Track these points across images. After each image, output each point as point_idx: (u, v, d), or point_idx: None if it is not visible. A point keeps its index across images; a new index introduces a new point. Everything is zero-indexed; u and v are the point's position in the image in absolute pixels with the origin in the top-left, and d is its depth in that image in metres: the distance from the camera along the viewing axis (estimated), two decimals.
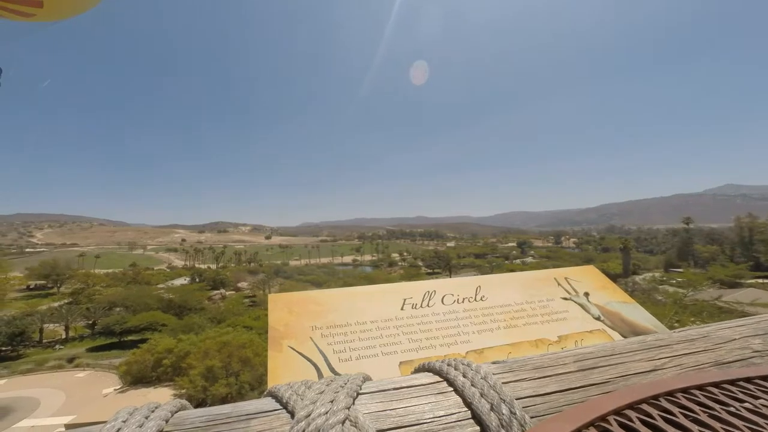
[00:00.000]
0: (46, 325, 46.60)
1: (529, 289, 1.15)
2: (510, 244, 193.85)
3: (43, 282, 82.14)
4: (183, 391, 23.37)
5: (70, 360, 36.86)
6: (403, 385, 0.53)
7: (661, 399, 0.45)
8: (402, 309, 1.04)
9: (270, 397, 0.52)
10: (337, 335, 0.94)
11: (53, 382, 31.30)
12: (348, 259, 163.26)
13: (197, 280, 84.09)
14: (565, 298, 1.12)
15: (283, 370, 0.83)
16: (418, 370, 0.60)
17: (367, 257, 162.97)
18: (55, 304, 56.39)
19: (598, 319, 1.04)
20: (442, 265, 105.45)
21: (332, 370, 0.85)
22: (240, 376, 24.04)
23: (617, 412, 0.43)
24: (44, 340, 45.51)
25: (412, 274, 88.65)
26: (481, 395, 0.47)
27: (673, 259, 78.68)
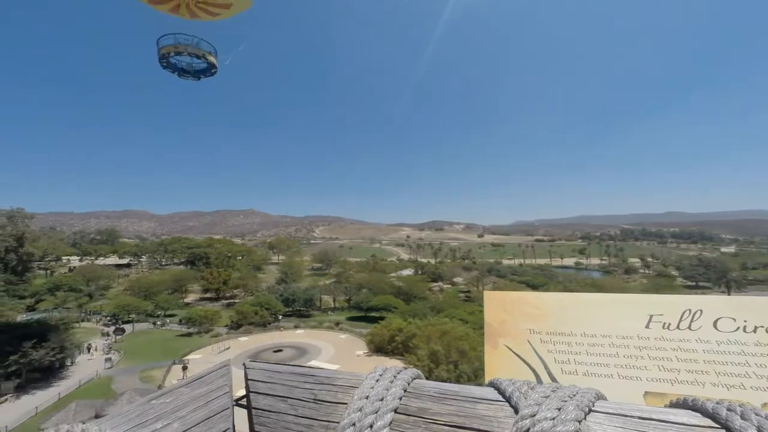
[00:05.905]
0: (323, 296, 65.14)
1: None
2: None
3: (319, 265, 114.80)
4: (411, 366, 27.19)
5: (336, 324, 49.91)
6: (654, 416, 0.43)
7: None
8: (647, 327, 0.85)
9: (492, 388, 0.53)
10: (558, 343, 0.86)
11: (326, 338, 43.08)
12: (569, 261, 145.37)
13: (419, 272, 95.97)
14: None
15: (499, 366, 0.83)
16: (676, 405, 0.50)
17: (594, 260, 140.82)
18: (327, 282, 77.53)
19: None
20: (713, 278, 79.29)
21: (552, 377, 0.80)
22: (459, 365, 25.74)
23: None
24: (322, 307, 63.58)
25: (660, 285, 69.81)
26: None
27: None
